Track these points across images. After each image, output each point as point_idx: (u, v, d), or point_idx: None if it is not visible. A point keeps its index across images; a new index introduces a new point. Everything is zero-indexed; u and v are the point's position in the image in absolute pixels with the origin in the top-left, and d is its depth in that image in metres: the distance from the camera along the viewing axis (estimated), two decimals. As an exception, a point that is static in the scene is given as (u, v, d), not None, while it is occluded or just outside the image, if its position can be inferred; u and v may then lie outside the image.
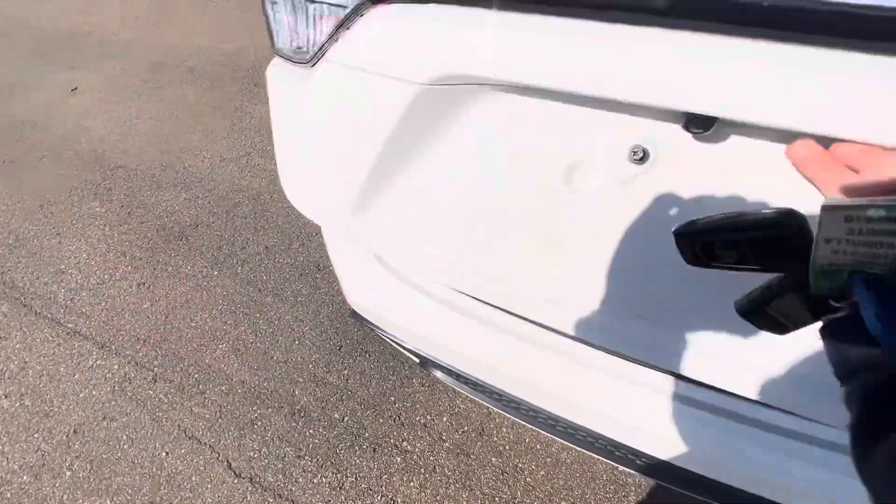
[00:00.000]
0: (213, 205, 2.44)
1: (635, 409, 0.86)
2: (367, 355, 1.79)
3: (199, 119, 3.03)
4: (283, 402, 1.68)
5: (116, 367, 1.80)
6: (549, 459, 1.50)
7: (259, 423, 1.63)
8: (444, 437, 1.57)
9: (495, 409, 1.37)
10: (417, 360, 1.27)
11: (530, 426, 1.17)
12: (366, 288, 1.16)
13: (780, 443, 0.76)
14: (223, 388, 1.73)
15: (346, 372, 1.75)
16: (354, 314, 1.25)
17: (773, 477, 0.76)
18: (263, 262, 2.16)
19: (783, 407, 0.76)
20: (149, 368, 1.79)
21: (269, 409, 1.66)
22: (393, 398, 1.67)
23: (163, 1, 4.54)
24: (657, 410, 0.83)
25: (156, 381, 1.76)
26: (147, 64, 3.63)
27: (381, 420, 1.62)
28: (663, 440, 0.83)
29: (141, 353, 1.84)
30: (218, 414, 1.66)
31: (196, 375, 1.77)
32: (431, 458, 1.53)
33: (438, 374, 1.22)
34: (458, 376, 1.15)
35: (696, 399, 0.82)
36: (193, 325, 1.93)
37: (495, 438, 1.56)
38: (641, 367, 0.85)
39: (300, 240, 2.23)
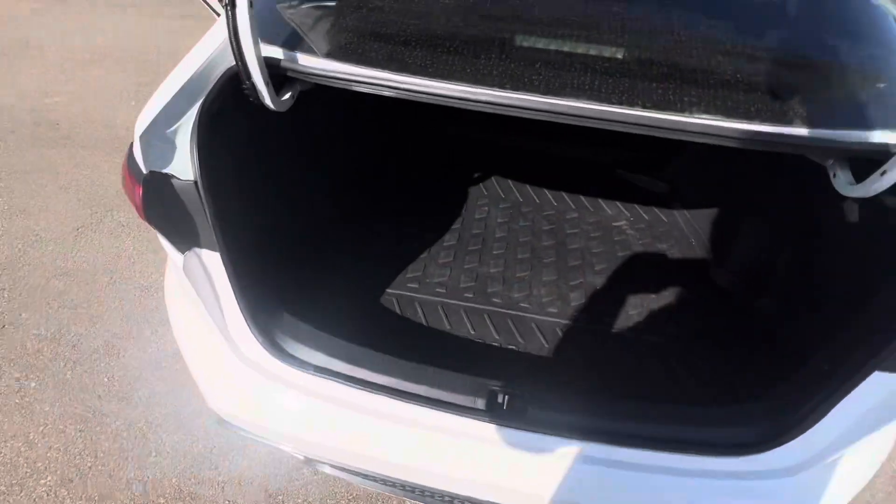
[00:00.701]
0: (27, 296, 1.98)
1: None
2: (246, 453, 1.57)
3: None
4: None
5: None
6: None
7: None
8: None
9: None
10: (302, 458, 1.15)
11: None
12: (231, 390, 1.03)
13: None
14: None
15: (221, 480, 1.51)
16: (222, 422, 1.09)
17: None
18: (103, 359, 1.79)
19: None
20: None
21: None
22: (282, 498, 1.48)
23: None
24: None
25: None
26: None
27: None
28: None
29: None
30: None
31: (6, 530, 1.36)
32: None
33: (327, 469, 1.12)
34: (349, 470, 1.06)
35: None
36: (1, 457, 1.50)
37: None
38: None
39: (152, 326, 1.91)
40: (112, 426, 1.61)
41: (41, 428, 1.59)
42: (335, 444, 0.95)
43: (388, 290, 1.39)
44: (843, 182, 0.89)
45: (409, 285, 1.43)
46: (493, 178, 1.94)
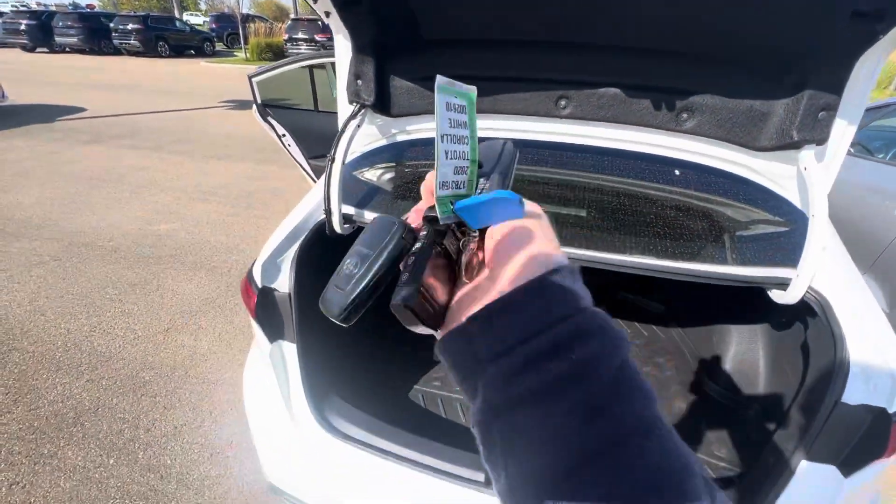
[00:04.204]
0: (120, 385, 2.38)
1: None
2: (279, 540, 1.71)
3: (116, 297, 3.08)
4: None
5: None
6: None
7: None
8: None
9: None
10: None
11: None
12: (287, 457, 1.29)
13: None
14: None
15: (254, 563, 1.64)
16: (275, 489, 1.32)
17: None
18: (170, 443, 2.07)
19: None
20: None
21: None
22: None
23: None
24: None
25: None
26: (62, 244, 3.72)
27: None
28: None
29: (-3, 574, 1.57)
30: None
31: None
32: None
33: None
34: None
35: None
36: (75, 528, 1.73)
37: None
38: None
39: (213, 416, 2.21)
40: (168, 505, 1.82)
41: (110, 501, 1.83)
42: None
43: (416, 386, 1.66)
44: (775, 295, 1.15)
45: (433, 383, 1.70)
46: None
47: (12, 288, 3.13)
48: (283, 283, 1.24)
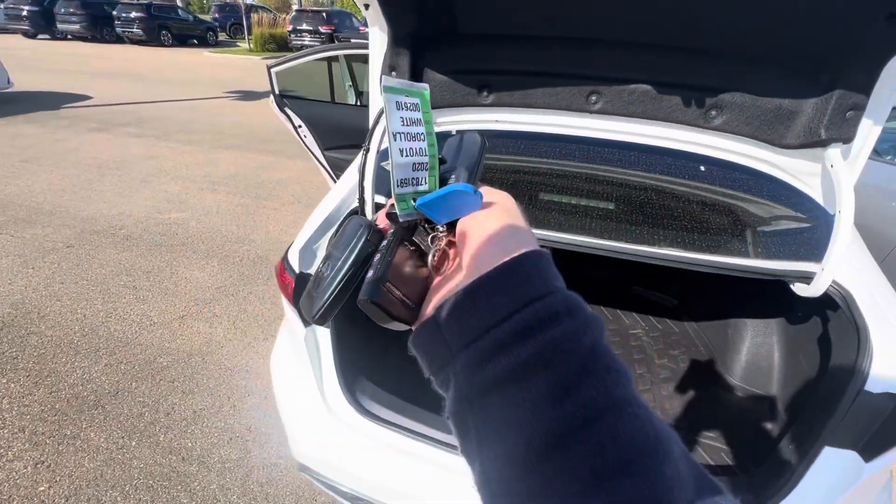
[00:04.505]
0: (138, 370, 2.41)
1: None
2: (301, 521, 1.76)
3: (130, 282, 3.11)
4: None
5: (-9, 570, 1.54)
6: None
7: None
8: None
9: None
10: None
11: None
12: (317, 437, 1.32)
13: None
14: (130, 580, 1.54)
15: (277, 542, 1.68)
16: (303, 468, 1.36)
17: None
18: (190, 427, 2.11)
19: None
20: (35, 567, 1.56)
21: None
22: (327, 567, 1.62)
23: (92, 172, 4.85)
24: None
25: (43, 583, 1.52)
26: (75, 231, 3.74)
27: None
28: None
29: (28, 549, 1.61)
30: None
31: (97, 569, 1.57)
32: None
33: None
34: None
35: None
36: (101, 506, 1.77)
37: None
38: None
39: (231, 402, 2.25)
40: (190, 486, 1.87)
41: (134, 482, 1.87)
42: (390, 483, 1.20)
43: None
44: (798, 288, 1.19)
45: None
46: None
47: (27, 273, 3.15)
48: None
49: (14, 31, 18.42)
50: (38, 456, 1.93)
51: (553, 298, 0.28)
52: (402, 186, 0.32)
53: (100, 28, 18.04)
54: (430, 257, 0.33)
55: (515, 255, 0.29)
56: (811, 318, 1.39)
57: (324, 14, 17.53)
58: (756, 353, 1.66)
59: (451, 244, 0.34)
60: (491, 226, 0.32)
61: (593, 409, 0.25)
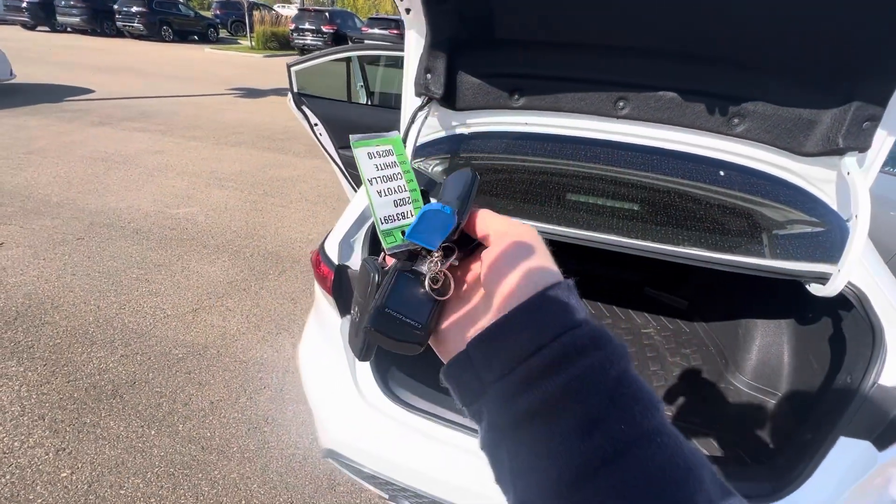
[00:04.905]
0: (154, 361, 2.43)
1: None
2: (321, 509, 1.79)
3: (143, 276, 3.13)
4: (227, 573, 1.57)
5: (18, 553, 1.56)
6: None
7: None
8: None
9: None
10: (387, 497, 1.41)
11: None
12: (351, 424, 1.37)
13: None
14: (156, 564, 1.57)
15: (299, 530, 1.72)
16: (333, 454, 1.41)
17: None
18: (208, 417, 2.14)
19: None
20: (62, 551, 1.58)
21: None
22: (349, 554, 1.66)
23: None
24: None
25: (70, 565, 1.55)
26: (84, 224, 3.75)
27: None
28: None
29: (53, 533, 1.63)
30: None
31: (122, 553, 1.59)
32: None
33: (406, 504, 1.38)
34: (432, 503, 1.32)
35: None
36: (123, 492, 1.79)
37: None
38: None
39: (248, 394, 2.28)
40: (211, 474, 1.90)
41: (156, 469, 1.90)
42: (420, 468, 1.25)
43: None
44: (814, 288, 1.25)
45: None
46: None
47: (38, 264, 3.16)
48: (355, 261, 1.32)
49: (12, 23, 18.26)
50: (58, 443, 1.95)
51: (580, 331, 0.29)
52: (386, 223, 0.36)
53: (100, 21, 17.93)
54: (426, 280, 0.36)
55: (541, 289, 0.30)
56: (823, 317, 1.46)
57: (326, 14, 17.57)
58: (766, 352, 1.73)
59: (454, 267, 0.37)
60: (519, 256, 0.33)
61: (622, 441, 0.26)
